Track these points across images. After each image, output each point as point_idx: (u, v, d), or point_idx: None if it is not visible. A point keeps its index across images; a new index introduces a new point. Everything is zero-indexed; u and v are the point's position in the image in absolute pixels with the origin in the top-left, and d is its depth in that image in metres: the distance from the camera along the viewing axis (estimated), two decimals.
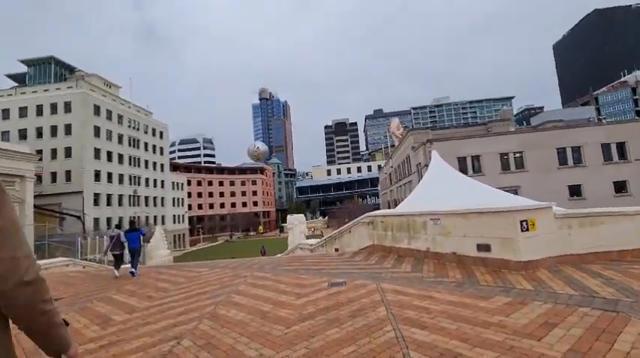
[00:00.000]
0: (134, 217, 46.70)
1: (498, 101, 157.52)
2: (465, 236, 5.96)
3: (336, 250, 10.78)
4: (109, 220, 42.40)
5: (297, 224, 21.25)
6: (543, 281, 4.45)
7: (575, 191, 24.41)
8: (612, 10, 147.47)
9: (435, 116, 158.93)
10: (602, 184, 24.15)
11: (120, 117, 47.02)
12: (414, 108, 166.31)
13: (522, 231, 5.13)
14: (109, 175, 43.53)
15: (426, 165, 27.13)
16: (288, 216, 22.21)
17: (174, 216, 58.71)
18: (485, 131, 31.05)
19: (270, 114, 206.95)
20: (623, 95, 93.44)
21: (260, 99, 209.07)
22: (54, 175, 39.32)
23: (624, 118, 70.37)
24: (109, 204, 42.91)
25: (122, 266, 9.22)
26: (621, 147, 24.51)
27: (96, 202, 40.83)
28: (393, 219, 7.92)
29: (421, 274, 5.60)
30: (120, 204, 45.00)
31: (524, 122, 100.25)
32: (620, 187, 24.32)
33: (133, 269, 8.68)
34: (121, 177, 45.73)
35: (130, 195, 47.00)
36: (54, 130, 40.35)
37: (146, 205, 50.70)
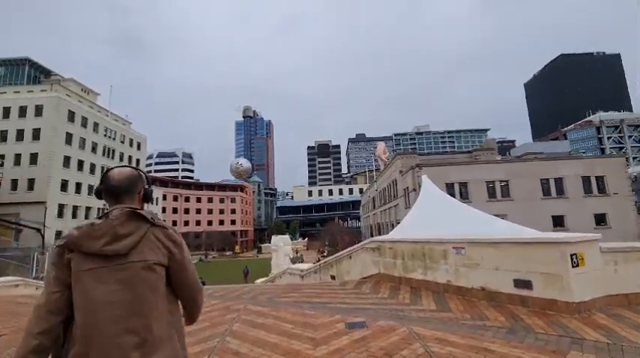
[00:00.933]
0: None
1: (475, 132, 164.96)
2: (497, 269, 5.20)
3: (332, 278, 9.76)
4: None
5: (282, 245, 20.03)
6: (611, 329, 3.71)
7: (558, 221, 24.71)
8: (577, 55, 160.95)
9: (415, 143, 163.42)
10: (583, 216, 24.63)
11: (96, 125, 44.69)
12: (395, 135, 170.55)
13: (573, 266, 4.44)
14: (78, 186, 40.65)
15: (414, 189, 26.93)
16: (273, 237, 20.98)
17: None
18: (470, 159, 31.54)
19: (253, 133, 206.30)
20: (589, 133, 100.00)
21: (244, 117, 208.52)
22: (15, 183, 36.17)
23: (592, 154, 74.75)
24: (74, 216, 39.77)
25: None
26: (601, 180, 25.32)
27: (60, 214, 37.72)
28: (405, 246, 7.10)
29: (452, 314, 4.74)
30: (87, 217, 41.81)
31: (499, 154, 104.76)
32: (600, 219, 24.87)
33: None
34: (90, 188, 42.78)
35: (99, 208, 43.88)
36: (20, 134, 37.54)
37: None
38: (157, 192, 62.10)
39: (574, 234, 4.90)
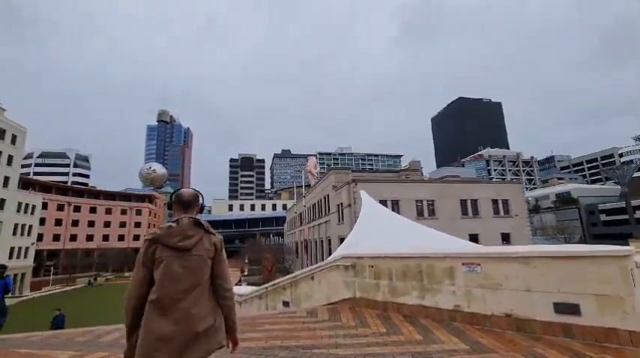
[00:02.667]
0: None
1: (390, 157, 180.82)
2: (529, 290, 4.17)
3: (286, 304, 7.83)
4: None
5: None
6: None
7: (473, 239, 26.93)
8: (471, 100, 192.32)
9: (338, 163, 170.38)
10: (493, 234, 27.42)
11: None
12: (320, 153, 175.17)
13: (635, 285, 3.61)
14: None
15: (349, 205, 26.52)
16: None
17: (12, 248, 43.39)
18: (397, 177, 33.02)
19: (169, 139, 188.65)
20: (481, 165, 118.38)
21: (158, 122, 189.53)
22: None
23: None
24: None
25: None
26: (506, 203, 28.80)
27: None
28: (393, 263, 5.73)
29: (498, 355, 3.45)
30: None
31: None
32: (504, 238, 28.03)
33: None
34: None
35: None
36: None
37: None
38: (34, 198, 49.94)
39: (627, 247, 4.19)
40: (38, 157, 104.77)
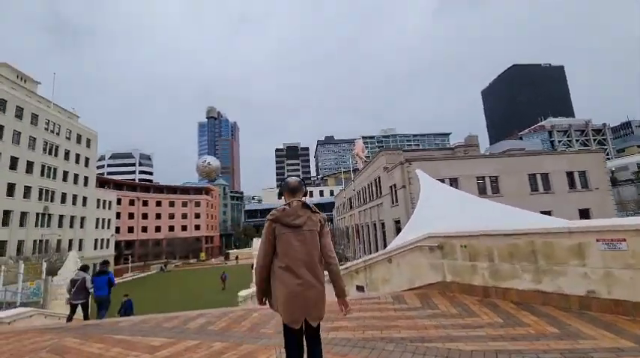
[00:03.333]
0: (45, 241, 37.46)
1: (438, 136, 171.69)
2: None
3: (360, 289, 7.39)
4: (3, 244, 33.01)
5: None
6: None
7: None
8: (527, 66, 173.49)
9: (382, 146, 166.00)
10: (569, 211, 24.42)
11: (35, 116, 38.55)
12: (363, 137, 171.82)
13: None
14: (10, 187, 34.50)
15: (404, 186, 25.32)
16: (255, 240, 18.10)
17: (96, 240, 49.03)
18: (453, 154, 30.77)
19: (218, 134, 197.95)
20: (542, 136, 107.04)
21: (207, 118, 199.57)
22: None
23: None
24: (4, 223, 33.59)
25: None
26: (583, 175, 25.42)
27: None
28: (493, 242, 4.91)
29: None
30: (22, 224, 35.66)
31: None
32: (584, 214, 24.86)
33: None
34: (27, 189, 36.66)
35: (38, 213, 37.72)
36: None
37: (59, 226, 41.30)
38: (110, 195, 55.62)
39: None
40: (109, 158, 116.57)
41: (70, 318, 7.52)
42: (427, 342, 3.30)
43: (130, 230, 68.23)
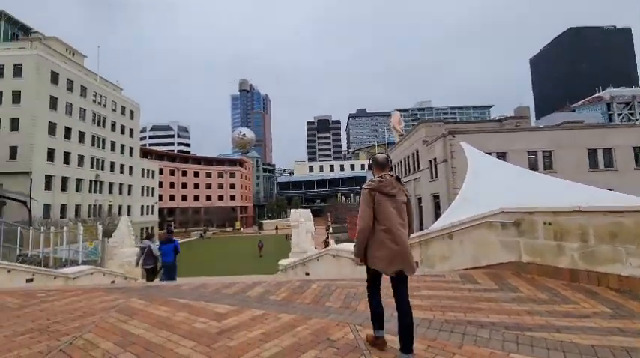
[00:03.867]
0: (97, 206, 40.61)
1: (477, 108, 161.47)
2: None
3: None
4: (63, 207, 36.19)
5: (303, 221, 17.30)
6: None
7: None
8: (586, 29, 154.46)
9: (417, 119, 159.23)
10: (635, 190, 22.05)
11: (83, 89, 40.59)
12: (397, 110, 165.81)
13: None
14: (66, 155, 37.22)
15: (445, 160, 24.07)
16: (292, 212, 18.24)
17: (142, 206, 52.51)
18: (501, 128, 28.56)
19: (250, 107, 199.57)
20: (598, 109, 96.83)
21: (240, 91, 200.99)
22: None
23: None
24: (63, 189, 36.62)
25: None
26: None
27: (48, 186, 34.55)
28: (589, 220, 4.27)
29: None
30: (78, 189, 38.72)
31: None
32: None
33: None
34: (80, 158, 39.41)
35: (90, 180, 40.70)
36: None
37: (110, 192, 44.46)
38: (153, 164, 58.65)
39: None
40: (150, 130, 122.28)
41: (149, 280, 8.24)
42: (527, 331, 2.89)
43: (171, 198, 72.27)
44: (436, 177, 25.74)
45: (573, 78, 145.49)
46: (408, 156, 33.81)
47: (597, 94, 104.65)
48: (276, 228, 63.12)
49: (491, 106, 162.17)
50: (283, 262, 13.45)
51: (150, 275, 8.27)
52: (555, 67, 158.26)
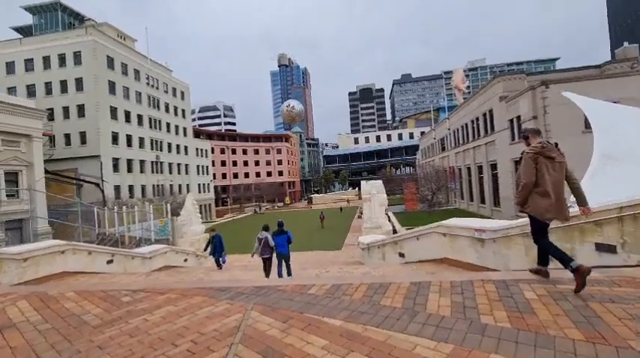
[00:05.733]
0: (160, 186, 42.55)
1: (540, 63, 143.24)
2: None
3: (602, 248, 4.94)
4: (130, 188, 38.30)
5: (375, 193, 15.55)
6: None
7: None
8: None
9: (469, 81, 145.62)
10: None
11: (137, 72, 41.53)
12: (445, 73, 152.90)
13: None
14: (129, 138, 38.84)
15: (534, 117, 20.40)
16: (363, 184, 16.52)
17: (199, 184, 54.55)
18: (602, 74, 23.54)
19: (290, 82, 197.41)
20: None
21: (279, 66, 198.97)
22: (67, 137, 34.88)
23: None
24: (129, 170, 38.59)
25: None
26: None
27: (115, 168, 36.50)
28: None
29: None
30: (142, 170, 40.68)
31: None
32: None
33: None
34: (141, 140, 41.04)
35: (152, 161, 42.52)
36: (64, 85, 35.37)
37: (170, 172, 46.38)
38: (205, 144, 60.22)
39: None
40: (199, 112, 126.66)
41: (266, 269, 8.85)
42: None
43: (224, 176, 74.71)
44: (520, 138, 22.17)
45: None
46: (477, 118, 29.97)
47: None
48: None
49: (557, 59, 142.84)
50: (364, 240, 11.93)
51: (267, 264, 8.81)
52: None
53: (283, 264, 8.67)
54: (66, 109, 35.10)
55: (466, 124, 33.10)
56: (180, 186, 47.94)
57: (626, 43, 24.93)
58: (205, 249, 12.57)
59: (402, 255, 9.77)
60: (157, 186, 42.83)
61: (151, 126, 43.07)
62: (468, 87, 37.83)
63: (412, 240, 9.24)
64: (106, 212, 21.06)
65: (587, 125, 19.23)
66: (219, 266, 11.99)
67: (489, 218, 23.40)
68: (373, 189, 15.59)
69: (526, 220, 4.36)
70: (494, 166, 27.30)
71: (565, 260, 3.05)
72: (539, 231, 3.32)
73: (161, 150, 44.66)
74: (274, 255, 8.94)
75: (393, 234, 16.09)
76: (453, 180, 37.86)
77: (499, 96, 24.78)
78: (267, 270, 8.84)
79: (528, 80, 24.63)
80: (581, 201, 3.27)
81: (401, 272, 7.84)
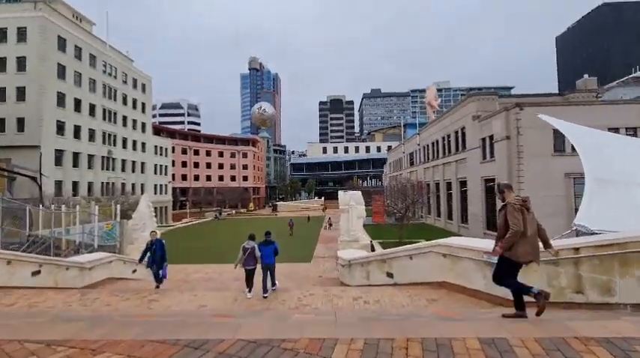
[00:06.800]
0: (110, 184, 38.55)
1: (498, 89, 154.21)
2: None
3: None
4: (75, 185, 34.15)
5: (354, 205, 14.58)
6: None
7: None
8: (622, 5, 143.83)
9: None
10: None
11: (93, 57, 37.68)
12: (412, 91, 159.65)
13: None
14: (77, 129, 34.82)
15: (507, 137, 20.84)
16: (341, 194, 15.49)
17: (155, 185, 50.45)
18: (563, 101, 25.00)
19: (260, 87, 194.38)
20: (636, 92, 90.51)
21: (250, 69, 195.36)
22: (2, 122, 30.36)
23: None
24: (75, 165, 34.44)
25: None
26: None
27: (58, 161, 32.37)
28: None
29: None
30: (90, 166, 36.57)
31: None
32: None
33: (266, 294, 7.67)
34: (92, 132, 37.03)
35: (103, 157, 38.45)
36: (2, 63, 30.93)
37: (123, 170, 42.30)
38: (166, 142, 56.24)
39: None
40: (160, 108, 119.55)
41: (249, 285, 8.02)
42: None
43: (184, 178, 70.32)
44: (491, 157, 22.60)
45: (604, 57, 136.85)
46: (449, 135, 30.56)
47: (635, 74, 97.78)
48: (274, 209, 60.83)
49: (512, 87, 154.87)
50: (344, 255, 10.80)
51: (250, 278, 8.11)
52: (584, 46, 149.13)
53: (268, 274, 8.12)
54: (2, 91, 30.62)
55: (437, 141, 33.70)
56: (133, 185, 43.88)
57: (586, 76, 26.86)
58: (142, 259, 9.37)
59: (390, 275, 8.78)
60: (107, 184, 38.76)
61: (104, 118, 39.11)
62: (440, 105, 38.84)
63: (404, 259, 8.29)
64: (41, 211, 17.90)
65: (557, 148, 20.03)
66: (158, 281, 9.15)
67: (459, 235, 23.46)
68: (352, 201, 14.62)
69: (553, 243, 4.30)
70: (463, 183, 27.76)
71: (525, 289, 3.58)
72: (510, 272, 3.70)
73: (114, 145, 40.66)
74: (259, 266, 8.27)
75: (371, 248, 15.19)
76: (420, 194, 38.26)
77: (472, 116, 25.33)
78: (249, 283, 8.06)
79: (500, 102, 25.47)
80: (546, 243, 3.79)
81: (400, 299, 6.75)
